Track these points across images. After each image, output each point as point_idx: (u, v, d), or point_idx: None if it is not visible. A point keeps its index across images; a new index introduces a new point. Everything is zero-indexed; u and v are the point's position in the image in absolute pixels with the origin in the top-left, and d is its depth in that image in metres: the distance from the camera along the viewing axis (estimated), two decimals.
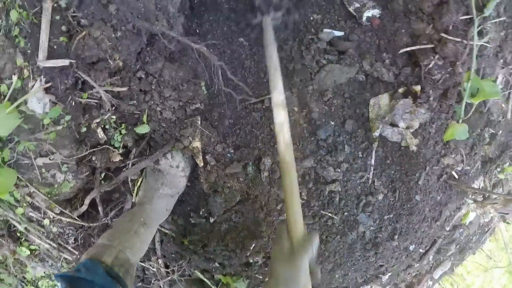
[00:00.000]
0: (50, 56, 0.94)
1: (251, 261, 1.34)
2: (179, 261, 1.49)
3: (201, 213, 1.30)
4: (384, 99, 1.25)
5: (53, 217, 1.21)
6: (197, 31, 1.25)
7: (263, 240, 1.28)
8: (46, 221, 1.22)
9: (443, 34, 1.10)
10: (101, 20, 0.97)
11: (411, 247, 1.77)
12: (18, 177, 1.09)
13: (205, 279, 1.53)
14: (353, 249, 1.45)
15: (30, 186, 1.11)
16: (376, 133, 1.25)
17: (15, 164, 1.08)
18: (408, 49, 1.15)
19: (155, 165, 1.21)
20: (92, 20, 0.97)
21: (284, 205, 0.94)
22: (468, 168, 1.58)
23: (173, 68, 1.09)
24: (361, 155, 1.29)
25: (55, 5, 0.93)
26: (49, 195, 1.15)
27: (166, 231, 1.42)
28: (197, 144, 1.16)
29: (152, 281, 1.57)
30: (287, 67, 1.25)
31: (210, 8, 1.25)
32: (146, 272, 1.59)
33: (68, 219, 1.22)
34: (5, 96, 0.95)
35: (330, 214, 1.33)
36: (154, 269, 1.55)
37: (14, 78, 0.95)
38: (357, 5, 1.22)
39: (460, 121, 1.30)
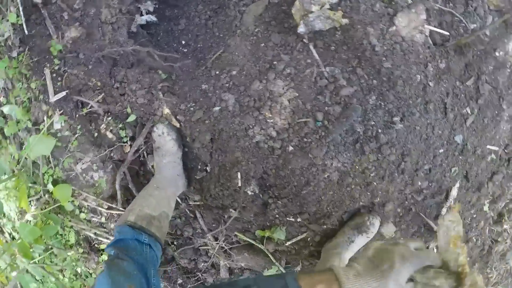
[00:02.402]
0: (55, 94, 1.48)
1: (249, 191, 1.46)
2: (220, 228, 1.69)
3: (199, 166, 1.54)
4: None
5: (107, 214, 1.63)
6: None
7: (242, 165, 1.42)
8: (103, 219, 1.64)
9: None
10: (77, 65, 1.51)
11: (458, 139, 1.56)
12: (73, 189, 1.58)
13: (248, 239, 1.66)
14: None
15: (81, 192, 1.58)
16: (301, 29, 1.36)
17: (68, 179, 1.58)
18: None
19: (153, 144, 1.56)
20: (72, 66, 1.50)
21: None
22: None
23: (131, 70, 1.53)
24: (302, 56, 1.39)
25: (52, 70, 1.50)
26: (95, 194, 1.59)
27: (198, 203, 1.67)
28: (166, 110, 1.49)
29: (212, 259, 1.76)
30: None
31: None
32: (208, 254, 1.80)
33: (116, 212, 1.62)
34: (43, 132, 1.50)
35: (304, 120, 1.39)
36: (209, 247, 1.76)
37: (45, 118, 1.51)
38: None
39: None
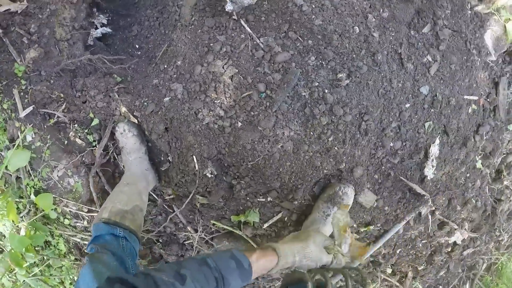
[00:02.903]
0: (23, 110, 1.62)
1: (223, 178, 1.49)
2: (196, 218, 1.72)
3: (162, 158, 1.60)
4: None
5: (88, 217, 1.72)
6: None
7: (195, 148, 1.45)
8: (85, 223, 1.73)
9: None
10: (41, 81, 1.65)
11: (424, 90, 1.52)
12: (54, 197, 1.70)
13: (224, 226, 1.68)
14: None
15: (61, 198, 1.70)
16: (229, 7, 1.40)
17: (48, 188, 1.71)
18: None
19: (119, 144, 1.64)
20: (37, 83, 1.65)
21: None
22: None
23: (89, 78, 1.64)
24: (235, 33, 1.43)
25: (20, 90, 1.66)
26: (74, 199, 1.70)
27: (172, 196, 1.72)
28: (124, 109, 1.58)
29: (195, 249, 1.79)
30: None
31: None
32: (194, 247, 1.84)
33: (96, 214, 1.70)
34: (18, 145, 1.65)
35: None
36: (191, 240, 1.80)
37: (19, 134, 1.65)
38: None
39: None
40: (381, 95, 1.49)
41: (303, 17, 1.36)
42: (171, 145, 1.55)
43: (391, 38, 1.47)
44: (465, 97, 1.66)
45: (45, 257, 1.89)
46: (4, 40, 1.69)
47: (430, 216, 1.75)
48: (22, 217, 1.83)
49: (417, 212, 1.73)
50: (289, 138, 1.43)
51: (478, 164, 1.72)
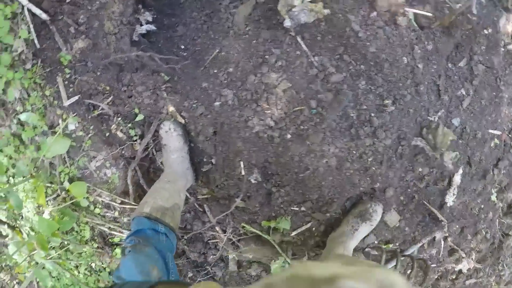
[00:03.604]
0: (68, 99, 1.71)
1: (249, 179, 1.62)
2: (227, 220, 1.84)
3: (204, 160, 1.72)
4: None
5: (120, 209, 1.82)
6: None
7: (244, 154, 1.58)
8: (116, 214, 1.83)
9: None
10: (87, 72, 1.74)
11: (456, 122, 1.66)
12: (88, 186, 1.78)
13: (254, 230, 1.81)
14: None
15: (95, 188, 1.79)
16: (287, 23, 1.54)
17: (83, 177, 1.79)
18: None
19: (161, 141, 1.75)
20: (82, 74, 1.73)
21: None
22: None
23: (136, 74, 1.74)
24: (291, 49, 1.57)
25: (64, 78, 1.74)
26: (109, 190, 1.79)
27: (206, 196, 1.84)
28: (171, 108, 1.69)
29: (220, 250, 1.91)
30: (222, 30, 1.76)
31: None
32: (217, 247, 1.95)
33: (129, 206, 1.80)
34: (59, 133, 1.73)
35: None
36: (218, 240, 1.92)
37: (60, 121, 1.73)
38: None
39: None
40: (418, 123, 1.66)
41: (358, 43, 1.51)
42: (217, 148, 1.67)
43: (433, 70, 1.65)
44: (490, 131, 1.85)
45: (65, 242, 1.97)
46: (51, 27, 1.76)
47: (443, 242, 1.94)
48: (47, 201, 1.90)
49: (432, 236, 1.91)
50: (334, 155, 1.58)
51: (493, 197, 1.93)
